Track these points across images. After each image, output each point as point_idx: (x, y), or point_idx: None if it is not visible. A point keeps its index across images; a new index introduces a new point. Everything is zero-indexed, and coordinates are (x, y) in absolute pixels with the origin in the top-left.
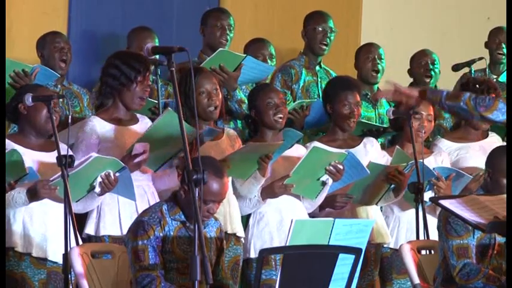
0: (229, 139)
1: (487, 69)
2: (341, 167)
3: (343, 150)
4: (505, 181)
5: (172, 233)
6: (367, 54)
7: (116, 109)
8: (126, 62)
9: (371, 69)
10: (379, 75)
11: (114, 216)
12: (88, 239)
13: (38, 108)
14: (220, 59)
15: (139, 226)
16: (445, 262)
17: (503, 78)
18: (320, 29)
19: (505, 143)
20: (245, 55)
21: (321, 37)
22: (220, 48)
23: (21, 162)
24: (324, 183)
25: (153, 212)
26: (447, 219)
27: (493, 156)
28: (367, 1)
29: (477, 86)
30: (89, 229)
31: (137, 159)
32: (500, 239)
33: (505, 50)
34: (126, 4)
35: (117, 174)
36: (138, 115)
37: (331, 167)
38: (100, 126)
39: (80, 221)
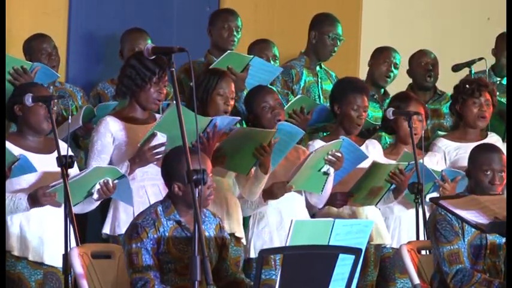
0: None
1: (489, 71)
2: (339, 154)
3: (339, 139)
4: (482, 176)
5: (167, 234)
6: (385, 58)
7: (132, 108)
8: (142, 62)
9: (384, 74)
10: (389, 80)
11: (129, 215)
12: (106, 239)
13: (35, 111)
14: (228, 61)
15: (133, 229)
16: (439, 267)
17: (505, 80)
18: (333, 36)
19: (496, 143)
20: (252, 56)
21: (331, 45)
22: (229, 51)
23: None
24: (326, 174)
25: (147, 214)
26: (435, 226)
27: (471, 154)
28: (367, 2)
29: (467, 86)
30: (106, 229)
31: (157, 150)
32: (491, 238)
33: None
34: (126, 4)
35: (116, 181)
36: (157, 115)
37: (330, 157)
38: (114, 125)
39: (80, 221)
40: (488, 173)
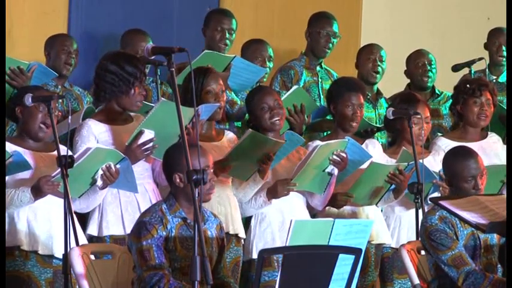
0: (229, 142)
1: (487, 70)
2: (344, 155)
3: (345, 139)
4: (465, 185)
5: (174, 231)
6: (368, 55)
7: (111, 110)
8: (121, 67)
9: (371, 70)
10: (378, 76)
11: (116, 216)
12: (90, 239)
13: (32, 115)
14: (206, 60)
15: (141, 227)
16: (438, 274)
17: (502, 78)
18: (325, 33)
19: (497, 143)
20: (233, 55)
21: (324, 41)
22: (206, 51)
23: None
24: (330, 174)
25: (153, 212)
26: (429, 237)
27: (446, 162)
28: (367, 2)
29: (468, 85)
30: (91, 230)
31: (146, 146)
32: (483, 237)
33: (505, 53)
34: (126, 4)
35: (118, 166)
36: (132, 114)
37: (334, 157)
38: (96, 127)
39: (82, 221)
40: (471, 180)
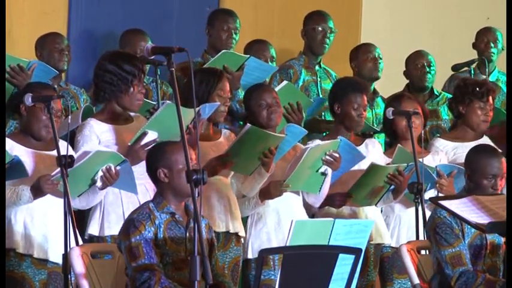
0: (226, 139)
1: (474, 70)
2: (337, 155)
3: (337, 139)
4: (485, 182)
5: (163, 226)
6: (366, 54)
7: (112, 109)
8: (119, 66)
9: (373, 68)
10: (379, 72)
11: (118, 215)
12: (91, 239)
13: (36, 115)
14: (223, 60)
15: (130, 225)
16: (439, 269)
17: (492, 77)
18: (320, 28)
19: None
20: (248, 56)
21: (321, 37)
22: (224, 50)
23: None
24: (323, 174)
25: (141, 210)
26: (435, 230)
27: (469, 157)
28: (367, 1)
29: (477, 89)
30: (92, 229)
31: (149, 147)
32: (491, 238)
33: (493, 50)
34: (126, 4)
35: (118, 167)
36: (131, 114)
37: (327, 157)
38: (98, 127)
39: (80, 221)
40: (491, 179)
